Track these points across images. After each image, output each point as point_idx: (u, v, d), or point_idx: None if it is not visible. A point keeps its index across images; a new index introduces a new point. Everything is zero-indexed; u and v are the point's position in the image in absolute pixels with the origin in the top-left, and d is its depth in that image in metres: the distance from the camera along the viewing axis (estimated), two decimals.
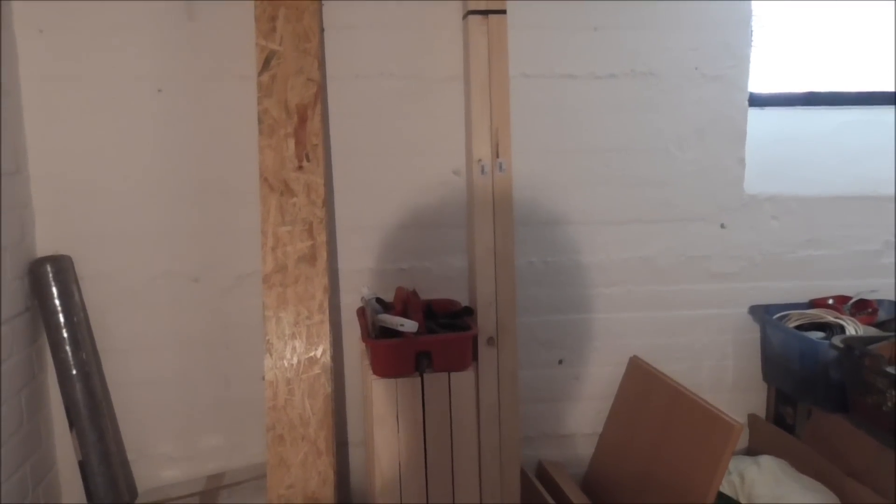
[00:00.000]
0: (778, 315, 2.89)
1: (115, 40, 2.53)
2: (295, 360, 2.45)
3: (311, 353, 2.46)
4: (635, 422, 2.73)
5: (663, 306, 2.96)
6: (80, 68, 2.53)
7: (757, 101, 2.99)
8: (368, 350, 2.43)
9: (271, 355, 2.45)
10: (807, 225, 3.00)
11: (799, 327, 2.81)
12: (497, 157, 2.59)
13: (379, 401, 2.35)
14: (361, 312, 2.62)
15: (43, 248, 2.58)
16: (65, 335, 2.47)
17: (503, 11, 2.56)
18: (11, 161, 2.42)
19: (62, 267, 2.51)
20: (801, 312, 2.87)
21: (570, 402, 2.98)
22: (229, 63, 2.59)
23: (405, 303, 2.51)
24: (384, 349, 2.36)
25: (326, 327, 2.47)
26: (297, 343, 2.46)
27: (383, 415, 2.36)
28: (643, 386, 2.77)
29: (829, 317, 2.80)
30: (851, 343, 2.53)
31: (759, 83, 3.01)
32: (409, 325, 2.35)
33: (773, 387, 3.00)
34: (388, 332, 2.39)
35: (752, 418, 3.04)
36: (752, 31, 2.86)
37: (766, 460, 2.67)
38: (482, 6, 2.54)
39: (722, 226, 2.94)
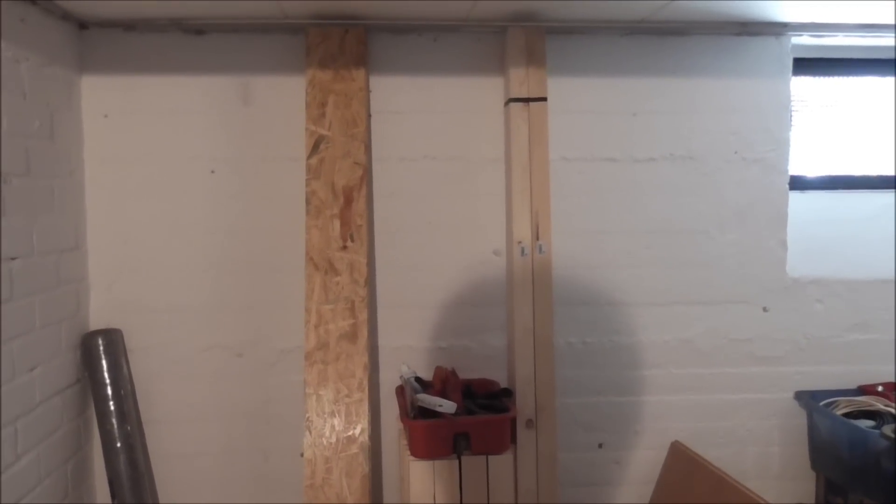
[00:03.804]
0: (825, 401, 2.82)
1: (174, 124, 2.68)
2: (334, 439, 2.47)
3: (350, 432, 2.47)
4: None
5: (705, 390, 2.91)
6: (139, 150, 2.67)
7: (798, 184, 3.00)
8: (406, 430, 2.44)
9: (311, 433, 2.47)
10: (853, 308, 2.95)
11: (848, 415, 2.73)
12: (537, 239, 2.63)
13: (416, 482, 2.34)
14: (400, 391, 2.64)
15: (96, 320, 2.67)
16: (112, 407, 2.53)
17: (544, 99, 2.64)
18: (72, 237, 2.54)
19: (113, 340, 2.59)
20: (849, 399, 2.80)
21: (611, 486, 2.92)
22: (279, 146, 2.71)
23: (444, 382, 2.53)
24: (422, 430, 2.36)
25: (365, 406, 2.49)
26: (337, 421, 2.48)
27: (420, 496, 2.34)
28: (685, 472, 2.70)
29: (879, 405, 2.73)
30: None
31: (799, 166, 3.02)
32: (447, 406, 2.36)
33: (822, 475, 2.90)
34: (427, 412, 2.39)
35: None
36: (791, 114, 2.89)
37: None
38: (524, 94, 2.63)
39: (765, 309, 2.91)
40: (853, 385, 2.94)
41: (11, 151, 2.15)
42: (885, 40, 2.90)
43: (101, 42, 2.63)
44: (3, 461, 2.09)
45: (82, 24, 2.61)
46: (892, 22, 2.71)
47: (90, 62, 2.63)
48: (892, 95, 3.09)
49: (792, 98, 2.88)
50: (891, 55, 3.01)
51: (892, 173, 3.11)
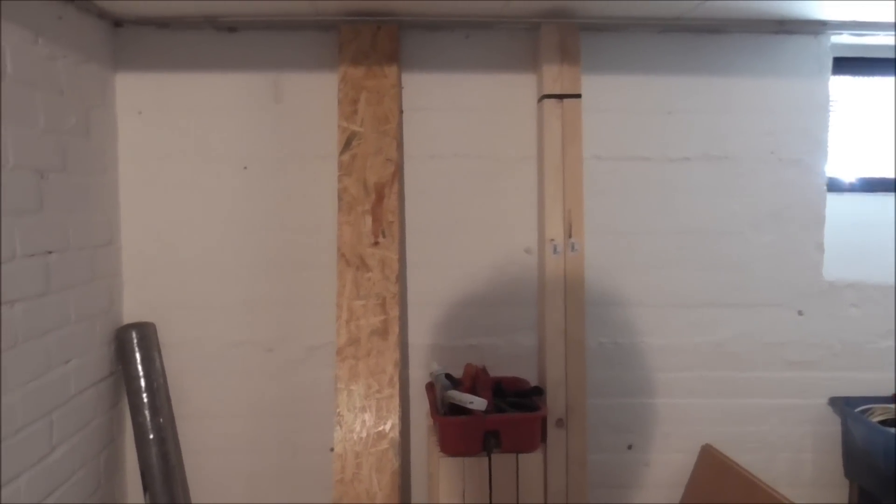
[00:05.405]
0: (860, 408, 2.77)
1: (207, 121, 2.69)
2: (364, 434, 2.47)
3: (381, 428, 2.47)
4: None
5: (737, 394, 2.87)
6: (172, 147, 2.69)
7: (836, 186, 2.95)
8: (436, 427, 2.43)
9: (341, 427, 2.47)
10: (889, 314, 2.89)
11: (883, 422, 2.68)
12: (569, 237, 2.61)
13: (445, 480, 2.33)
14: (430, 388, 2.63)
15: (129, 314, 2.70)
16: (145, 400, 2.55)
17: (578, 96, 2.62)
18: (106, 233, 2.57)
19: (146, 334, 2.61)
20: (885, 406, 2.74)
21: (640, 489, 2.89)
22: (311, 142, 2.71)
23: (474, 379, 2.51)
24: (453, 427, 2.35)
25: (396, 402, 2.49)
26: (367, 416, 2.48)
27: (449, 494, 2.34)
28: (716, 476, 2.67)
29: None
30: None
31: (837, 168, 2.97)
32: (478, 403, 2.35)
33: (855, 484, 2.84)
34: (457, 409, 2.38)
35: None
36: (829, 115, 2.83)
37: None
38: (557, 90, 2.61)
39: (799, 312, 2.86)
40: (888, 392, 2.87)
41: (48, 147, 2.18)
42: None
43: (135, 39, 2.65)
44: (39, 452, 2.11)
45: (117, 22, 2.63)
46: None
47: (124, 59, 2.66)
48: None
49: (830, 98, 2.83)
50: None
51: None
